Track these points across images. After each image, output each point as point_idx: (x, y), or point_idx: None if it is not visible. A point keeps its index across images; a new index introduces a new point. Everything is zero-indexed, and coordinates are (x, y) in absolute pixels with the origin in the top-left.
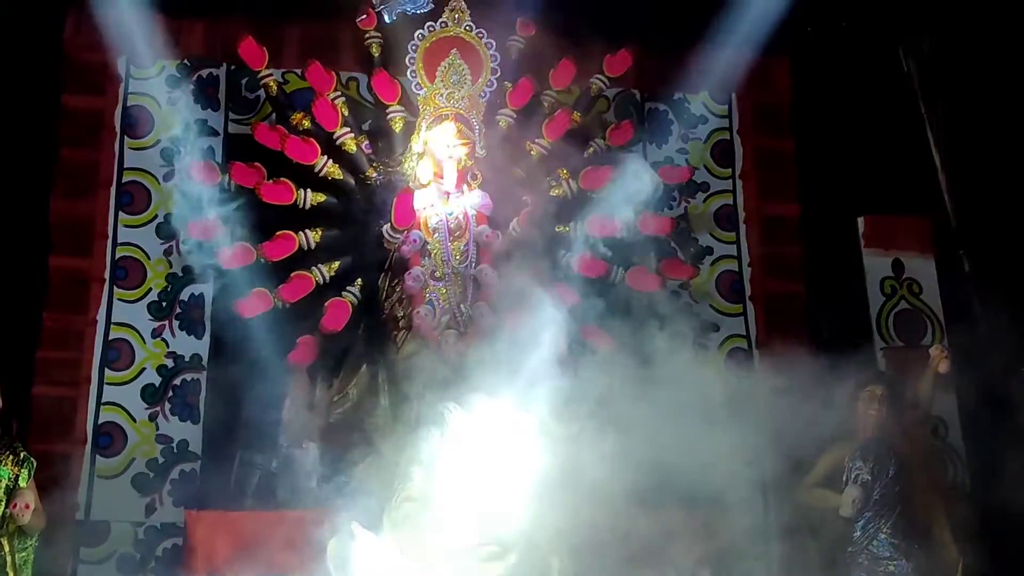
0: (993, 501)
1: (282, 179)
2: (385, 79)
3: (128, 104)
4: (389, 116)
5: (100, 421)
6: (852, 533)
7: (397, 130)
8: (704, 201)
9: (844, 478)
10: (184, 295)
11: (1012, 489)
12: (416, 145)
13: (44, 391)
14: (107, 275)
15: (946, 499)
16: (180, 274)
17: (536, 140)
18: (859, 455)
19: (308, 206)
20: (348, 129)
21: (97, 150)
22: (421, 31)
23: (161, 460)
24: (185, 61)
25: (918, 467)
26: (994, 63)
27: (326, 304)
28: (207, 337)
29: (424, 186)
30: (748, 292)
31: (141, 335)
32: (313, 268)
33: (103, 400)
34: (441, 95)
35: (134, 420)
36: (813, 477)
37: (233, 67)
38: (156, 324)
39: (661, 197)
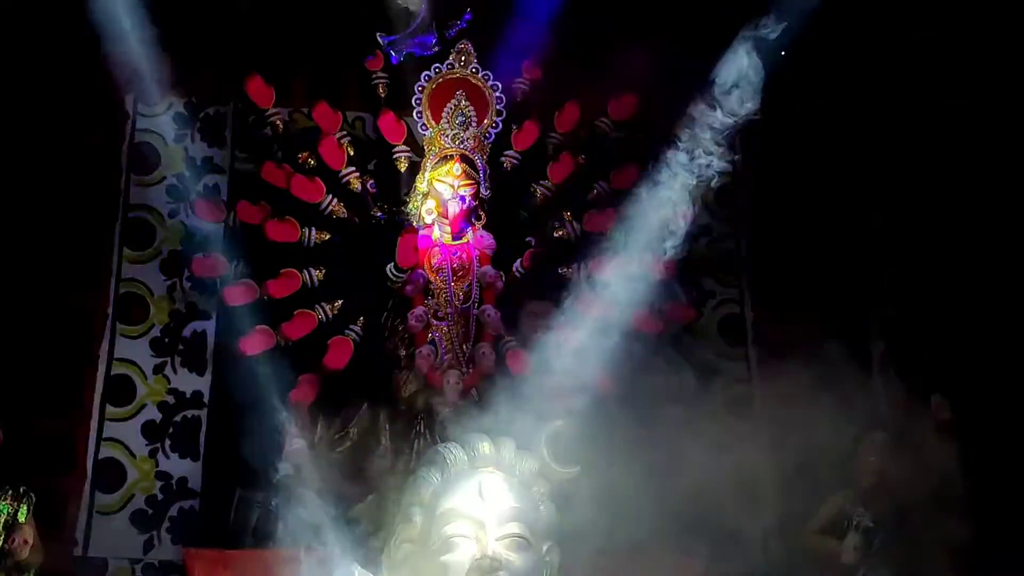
0: (997, 551)
1: (287, 217)
2: (391, 119)
3: (135, 141)
4: (395, 156)
5: (100, 457)
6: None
7: (402, 170)
8: (707, 244)
9: (845, 525)
10: (187, 332)
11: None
12: (421, 185)
13: (45, 425)
14: (110, 310)
15: (951, 549)
16: (183, 311)
17: (540, 182)
18: (861, 501)
19: (312, 244)
20: (354, 168)
21: (103, 186)
22: (428, 72)
23: (160, 497)
24: (192, 99)
25: (922, 516)
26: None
27: (329, 342)
28: (209, 374)
29: (428, 226)
30: (750, 336)
31: (143, 371)
32: (316, 306)
33: (103, 436)
34: (447, 136)
35: (134, 456)
36: (815, 523)
37: (240, 105)
38: (158, 360)
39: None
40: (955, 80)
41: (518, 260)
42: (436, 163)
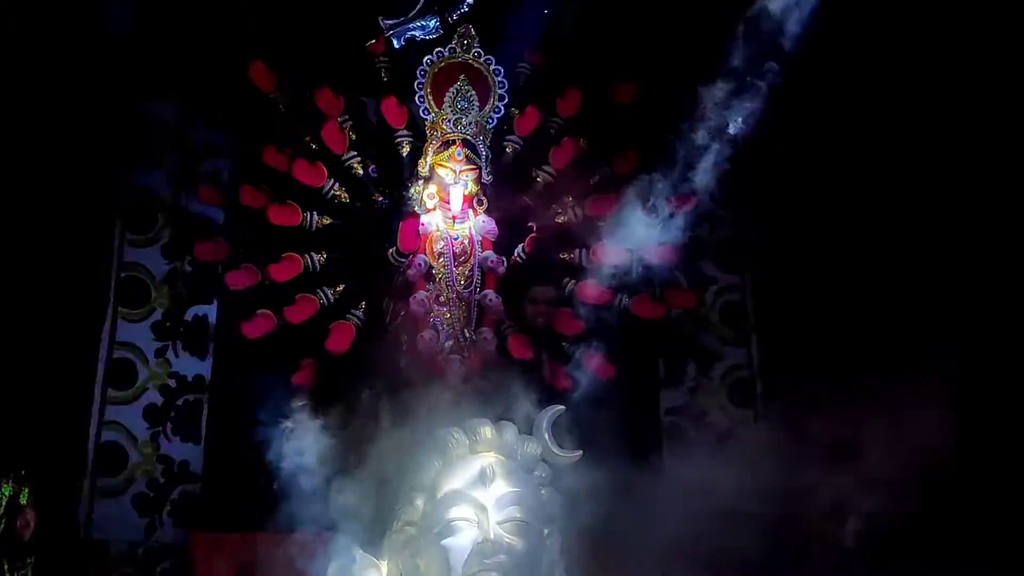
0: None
1: (289, 201)
2: (393, 104)
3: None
4: (397, 141)
5: (102, 440)
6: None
7: (404, 155)
8: (710, 230)
9: (846, 510)
10: (188, 315)
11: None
12: (423, 170)
13: (46, 409)
14: (111, 294)
15: (949, 532)
16: (185, 294)
17: (542, 167)
18: (863, 486)
19: (314, 229)
20: (355, 153)
21: (104, 170)
22: (430, 57)
23: (162, 480)
24: (194, 83)
25: (921, 499)
26: None
27: (330, 327)
28: (210, 358)
29: (430, 211)
30: (752, 321)
31: (144, 355)
32: (318, 290)
33: (105, 419)
34: (448, 120)
35: (136, 440)
36: (815, 508)
37: (243, 89)
38: (160, 344)
39: (666, 226)
40: (956, 75)
41: (520, 245)
42: (438, 148)
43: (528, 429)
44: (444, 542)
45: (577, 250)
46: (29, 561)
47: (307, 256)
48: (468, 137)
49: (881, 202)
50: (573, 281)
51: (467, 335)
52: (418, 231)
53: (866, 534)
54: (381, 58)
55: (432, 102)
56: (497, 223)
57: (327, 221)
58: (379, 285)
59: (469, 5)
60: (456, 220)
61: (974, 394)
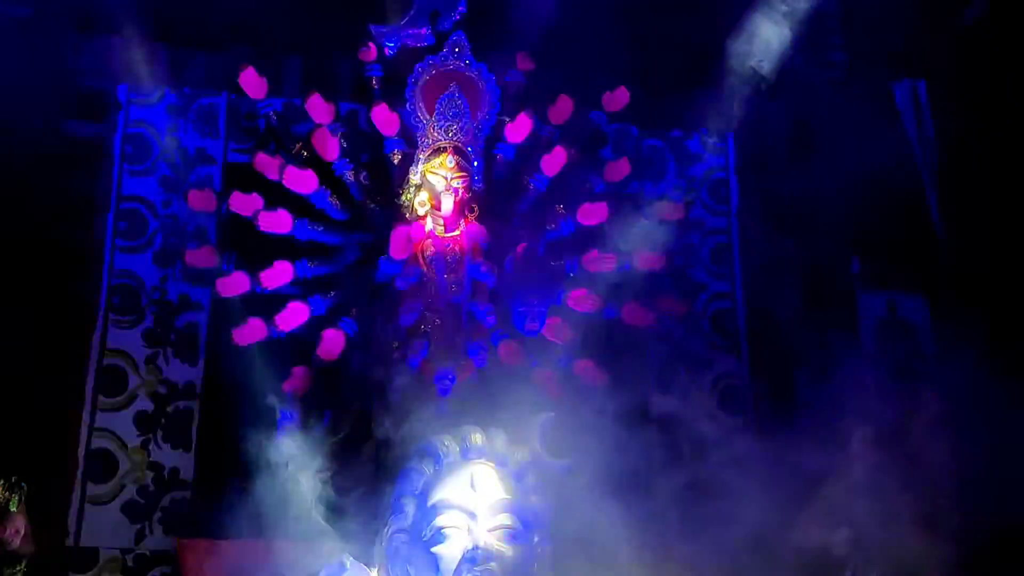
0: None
1: (280, 209)
2: (384, 111)
3: (128, 131)
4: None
5: (92, 447)
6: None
7: (395, 162)
8: (700, 238)
9: (836, 519)
10: (179, 322)
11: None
12: (414, 177)
13: (37, 416)
14: (102, 301)
15: (942, 544)
16: (176, 301)
17: (533, 175)
18: (853, 495)
19: (305, 236)
20: (347, 160)
21: (96, 177)
22: (421, 64)
23: (152, 487)
24: (185, 89)
25: (914, 512)
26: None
27: (321, 334)
28: (201, 365)
29: (421, 218)
30: (742, 329)
31: (135, 361)
32: (309, 298)
33: (95, 426)
34: (439, 128)
35: (126, 447)
36: (804, 517)
37: (233, 96)
38: (150, 351)
39: (656, 233)
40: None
41: (510, 253)
42: (429, 155)
43: (519, 436)
44: (434, 549)
45: (568, 258)
46: (19, 568)
47: (298, 263)
48: (459, 144)
49: (868, 207)
50: (564, 288)
51: (457, 342)
52: (409, 238)
53: (858, 544)
54: (372, 65)
55: (423, 110)
56: (488, 230)
57: (318, 228)
58: (370, 293)
59: (461, 13)
60: (447, 227)
61: (972, 404)
